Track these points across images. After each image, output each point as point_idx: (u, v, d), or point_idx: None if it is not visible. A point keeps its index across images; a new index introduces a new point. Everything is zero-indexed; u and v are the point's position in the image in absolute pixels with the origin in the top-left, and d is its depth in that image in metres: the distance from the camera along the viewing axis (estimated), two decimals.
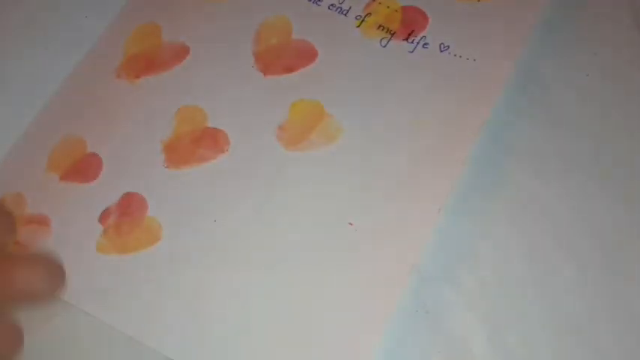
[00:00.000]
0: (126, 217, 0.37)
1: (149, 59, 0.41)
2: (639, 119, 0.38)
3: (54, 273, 0.27)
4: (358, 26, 0.41)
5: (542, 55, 0.40)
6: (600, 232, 0.36)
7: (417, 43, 0.40)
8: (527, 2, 0.41)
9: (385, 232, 0.35)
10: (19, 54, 0.41)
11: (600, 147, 0.38)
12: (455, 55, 0.40)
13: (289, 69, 0.40)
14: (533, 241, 0.36)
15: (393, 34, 0.41)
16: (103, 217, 0.37)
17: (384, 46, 0.41)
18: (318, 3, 0.42)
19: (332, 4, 0.42)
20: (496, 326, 0.34)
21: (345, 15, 0.42)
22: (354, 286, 0.34)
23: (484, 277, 0.35)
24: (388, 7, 0.42)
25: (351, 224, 0.36)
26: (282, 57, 0.41)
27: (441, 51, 0.40)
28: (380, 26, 0.41)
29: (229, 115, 0.39)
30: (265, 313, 0.34)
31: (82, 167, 0.38)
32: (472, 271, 0.35)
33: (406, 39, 0.41)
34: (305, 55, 0.41)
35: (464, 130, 0.37)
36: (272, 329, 0.34)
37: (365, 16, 0.42)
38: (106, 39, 0.42)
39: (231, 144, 0.38)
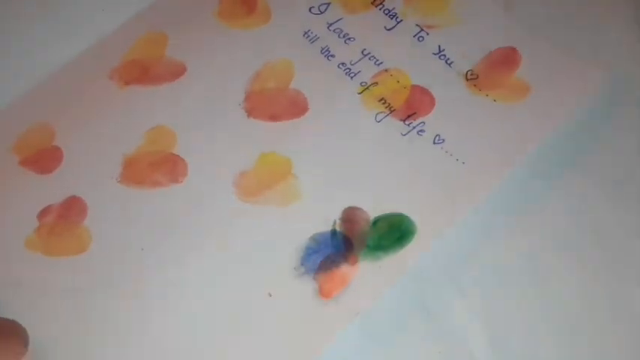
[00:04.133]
0: (63, 220, 0.36)
1: (145, 68, 0.41)
2: (639, 119, 0.38)
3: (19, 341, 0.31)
4: (360, 93, 0.40)
5: None
6: (600, 232, 0.36)
7: (414, 127, 0.38)
8: (540, 119, 0.38)
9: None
10: (27, 28, 0.42)
11: (600, 146, 0.38)
12: (446, 152, 0.37)
13: (274, 117, 0.39)
14: (533, 241, 0.36)
15: (393, 110, 0.39)
16: (43, 213, 0.37)
17: (379, 121, 0.39)
18: (330, 58, 0.41)
19: (342, 63, 0.41)
20: (496, 326, 0.34)
21: (351, 78, 0.40)
22: None
23: (484, 277, 0.35)
24: (398, 81, 0.40)
25: (270, 295, 0.34)
26: (273, 104, 0.39)
27: (434, 143, 0.38)
28: (382, 99, 0.39)
29: (198, 147, 0.38)
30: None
31: (43, 158, 0.38)
32: (472, 271, 0.35)
33: (404, 120, 0.38)
34: (295, 107, 0.39)
35: (434, 225, 0.35)
36: None
37: (370, 85, 0.40)
38: (114, 37, 0.42)
39: (188, 176, 0.37)
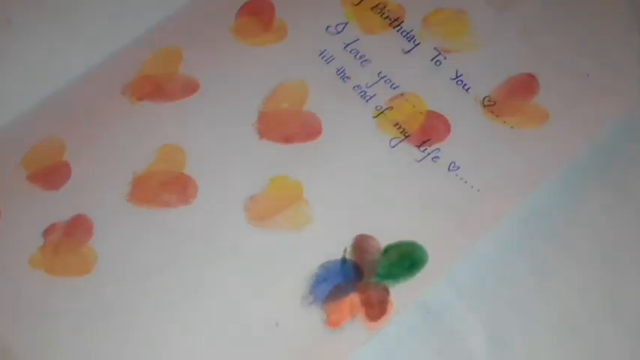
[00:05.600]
0: (68, 239, 0.36)
1: (158, 84, 0.40)
2: (639, 119, 0.38)
3: None
4: (375, 116, 0.39)
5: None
6: (600, 232, 0.36)
7: (428, 153, 0.38)
8: (559, 148, 0.37)
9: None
10: (41, 39, 0.41)
11: (600, 147, 0.38)
12: (461, 179, 0.37)
13: (287, 139, 0.38)
14: (533, 240, 0.36)
15: (408, 136, 0.38)
16: (49, 230, 0.36)
17: (393, 147, 0.38)
18: (345, 80, 0.40)
19: (358, 85, 0.40)
20: (496, 326, 0.34)
21: (367, 101, 0.39)
22: None
23: (484, 277, 0.35)
24: (414, 106, 0.39)
25: (277, 324, 0.33)
26: (285, 125, 0.39)
27: (449, 170, 0.37)
28: (397, 124, 0.39)
29: (209, 167, 0.37)
30: None
31: (51, 173, 0.38)
32: (472, 271, 0.35)
33: (419, 146, 0.38)
34: (308, 129, 0.38)
35: (446, 253, 0.35)
36: None
37: (385, 109, 0.39)
38: (128, 51, 0.41)
39: (197, 198, 0.37)
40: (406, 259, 0.35)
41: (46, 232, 0.36)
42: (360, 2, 0.42)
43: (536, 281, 0.34)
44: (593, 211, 0.36)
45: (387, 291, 0.34)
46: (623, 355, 0.33)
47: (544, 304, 0.34)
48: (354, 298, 0.34)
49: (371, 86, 0.40)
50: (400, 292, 0.34)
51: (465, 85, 0.40)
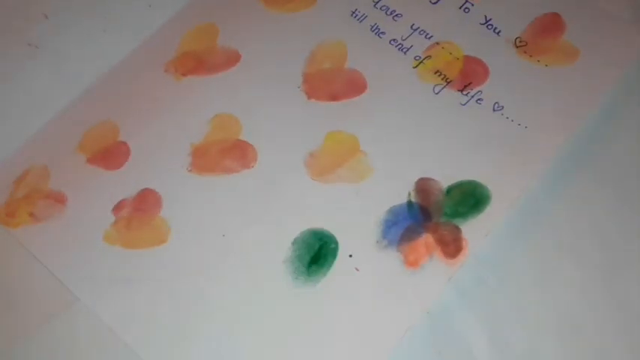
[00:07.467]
0: (138, 213, 0.37)
1: (200, 60, 0.41)
2: (638, 118, 0.38)
3: None
4: (415, 67, 0.40)
5: None
6: (600, 232, 0.35)
7: (472, 97, 0.39)
8: (594, 80, 0.39)
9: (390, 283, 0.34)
10: (77, 31, 0.42)
11: (600, 146, 0.37)
12: (507, 118, 0.38)
13: (334, 97, 0.39)
14: (533, 241, 0.35)
15: (449, 82, 0.39)
16: (118, 207, 0.37)
17: (437, 93, 0.39)
18: (381, 35, 0.41)
19: (394, 39, 0.41)
20: (496, 326, 0.33)
21: (405, 53, 0.40)
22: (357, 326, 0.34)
23: (484, 277, 0.34)
24: (450, 53, 0.40)
25: (357, 270, 0.35)
26: (331, 83, 0.40)
27: (494, 110, 0.38)
28: (437, 72, 0.40)
29: (264, 132, 0.38)
30: (258, 341, 0.34)
31: (110, 154, 0.38)
32: (472, 271, 0.35)
33: (461, 90, 0.39)
34: (354, 86, 0.40)
35: (507, 188, 0.36)
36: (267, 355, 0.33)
37: (424, 59, 0.40)
38: (164, 31, 0.42)
39: (258, 161, 0.38)
40: (470, 198, 0.36)
41: (116, 209, 0.37)
42: None
43: (536, 281, 0.34)
44: (594, 210, 0.36)
45: (458, 229, 0.35)
46: (623, 355, 0.33)
47: (544, 303, 0.34)
48: (427, 238, 0.35)
49: (406, 39, 0.41)
50: (471, 228, 0.35)
51: (496, 28, 0.41)
